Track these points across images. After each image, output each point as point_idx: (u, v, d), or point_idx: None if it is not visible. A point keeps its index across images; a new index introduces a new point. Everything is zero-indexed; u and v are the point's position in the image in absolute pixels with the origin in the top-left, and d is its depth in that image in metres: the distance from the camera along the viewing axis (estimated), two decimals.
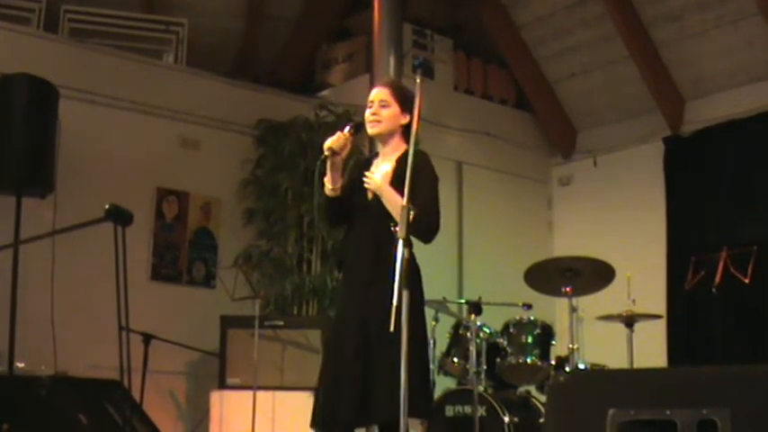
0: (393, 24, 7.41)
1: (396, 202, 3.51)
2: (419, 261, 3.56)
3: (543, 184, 8.88)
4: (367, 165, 3.87)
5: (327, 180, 3.71)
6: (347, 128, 3.72)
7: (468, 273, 7.95)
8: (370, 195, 3.71)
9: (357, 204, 3.72)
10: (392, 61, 7.33)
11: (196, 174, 7.39)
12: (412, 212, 3.17)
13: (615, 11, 7.61)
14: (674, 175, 7.84)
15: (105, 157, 6.91)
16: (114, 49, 7.19)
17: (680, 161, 7.81)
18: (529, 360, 5.65)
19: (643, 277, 6.23)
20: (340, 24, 8.73)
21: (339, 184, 3.71)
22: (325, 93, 8.16)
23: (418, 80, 3.36)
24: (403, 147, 3.77)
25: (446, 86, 8.26)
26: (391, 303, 3.02)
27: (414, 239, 3.20)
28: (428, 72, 7.92)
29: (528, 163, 8.78)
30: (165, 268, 7.12)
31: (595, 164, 8.49)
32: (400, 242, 3.08)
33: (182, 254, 7.23)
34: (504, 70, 8.75)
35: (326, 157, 3.64)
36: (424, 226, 3.60)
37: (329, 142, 3.65)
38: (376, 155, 3.90)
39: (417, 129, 3.34)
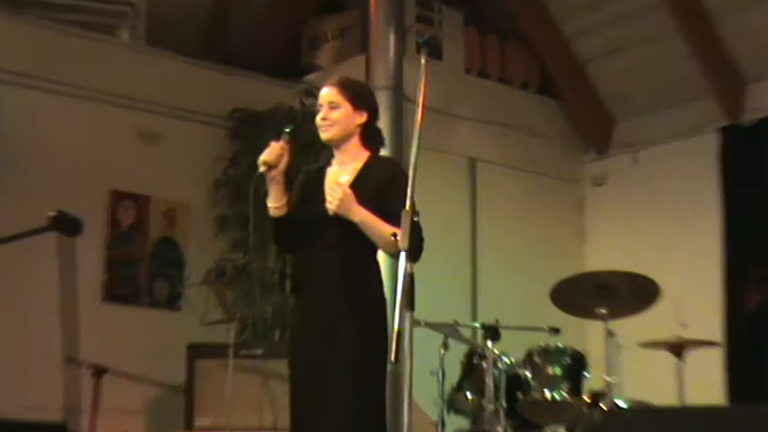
0: None
1: (376, 225, 3.60)
2: (424, 276, 3.55)
3: (573, 184, 8.88)
4: (319, 175, 3.92)
5: (270, 199, 3.78)
6: (283, 135, 3.79)
7: (484, 291, 7.94)
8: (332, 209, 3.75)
9: (314, 219, 3.75)
10: (392, 39, 7.31)
11: (157, 173, 7.38)
12: (416, 218, 3.17)
13: None
14: (731, 172, 7.84)
15: (47, 153, 6.90)
16: (58, 24, 7.18)
17: (739, 156, 7.81)
18: (557, 395, 5.62)
19: (694, 296, 6.24)
20: None
21: (283, 201, 3.77)
22: (312, 76, 8.15)
23: (423, 61, 3.36)
24: (363, 153, 3.86)
25: (456, 68, 8.26)
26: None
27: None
28: (435, 51, 7.83)
29: (554, 159, 8.77)
30: (121, 287, 7.11)
31: (636, 160, 8.48)
32: (402, 254, 3.07)
33: (141, 269, 7.21)
34: (525, 48, 8.75)
35: (263, 172, 3.71)
36: (416, 242, 3.61)
37: (263, 156, 3.73)
38: (329, 163, 3.94)
39: (421, 121, 3.33)
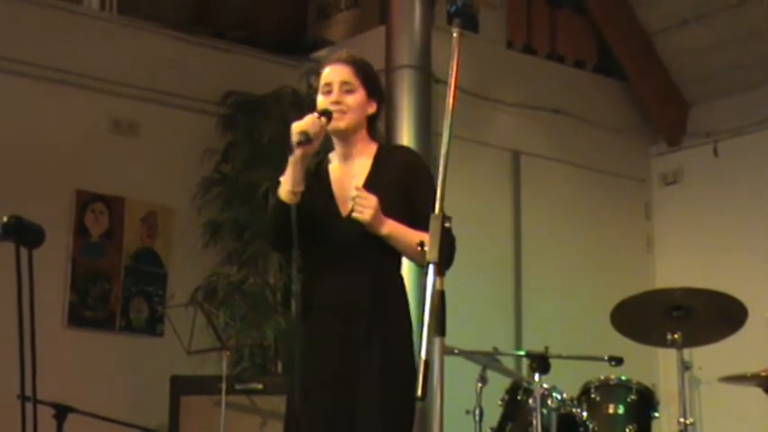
0: None
1: (406, 236, 3.61)
2: (457, 295, 3.54)
3: (639, 183, 8.86)
4: (319, 172, 3.92)
5: (287, 180, 3.75)
6: (320, 112, 3.78)
7: (530, 312, 7.93)
8: (345, 213, 3.73)
9: (327, 226, 3.75)
10: (418, 6, 7.31)
11: (135, 171, 7.41)
12: (447, 224, 3.15)
13: None
14: None
15: (2, 146, 6.93)
16: None
17: None
18: None
19: None
20: None
21: (302, 187, 3.75)
22: (321, 53, 8.15)
23: (455, 34, 3.34)
24: (371, 146, 3.87)
25: (496, 43, 8.25)
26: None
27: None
28: (470, 22, 7.90)
29: (616, 153, 8.75)
30: (90, 308, 7.13)
31: (716, 153, 8.45)
32: (430, 267, 3.06)
33: (114, 287, 7.24)
34: (580, 18, 8.74)
35: (299, 142, 3.67)
36: (447, 250, 3.61)
37: (302, 124, 3.69)
38: (326, 159, 3.94)
39: (453, 106, 3.32)
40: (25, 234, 3.63)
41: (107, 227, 7.27)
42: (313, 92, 7.34)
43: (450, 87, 3.32)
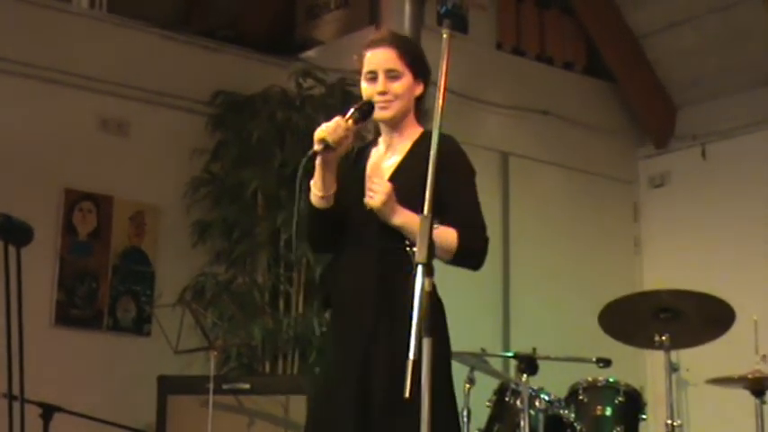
0: None
1: (416, 226, 3.36)
2: (445, 295, 3.53)
3: (627, 185, 8.87)
4: (360, 157, 3.84)
5: (315, 184, 3.67)
6: (351, 112, 3.67)
7: (518, 314, 7.93)
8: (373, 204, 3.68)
9: (352, 215, 3.69)
10: (407, 7, 7.31)
11: (123, 170, 7.39)
12: (437, 226, 3.14)
13: None
14: None
15: None
16: None
17: None
18: None
19: None
20: None
21: (332, 191, 3.67)
22: (310, 53, 8.16)
23: (445, 35, 3.34)
24: (417, 129, 3.76)
25: (486, 44, 8.25)
26: (406, 358, 2.99)
27: (442, 264, 3.18)
28: (459, 23, 7.90)
29: (604, 155, 8.76)
30: (78, 308, 7.12)
31: (704, 155, 8.46)
32: (419, 269, 3.06)
33: (102, 286, 7.22)
34: (569, 19, 8.74)
35: (317, 152, 3.60)
36: (473, 248, 3.58)
37: (323, 131, 3.60)
38: (374, 142, 3.87)
39: (443, 108, 3.31)
40: (14, 232, 3.63)
41: (95, 226, 7.25)
42: (302, 91, 7.45)
43: (439, 88, 3.32)
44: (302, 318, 7.04)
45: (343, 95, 7.03)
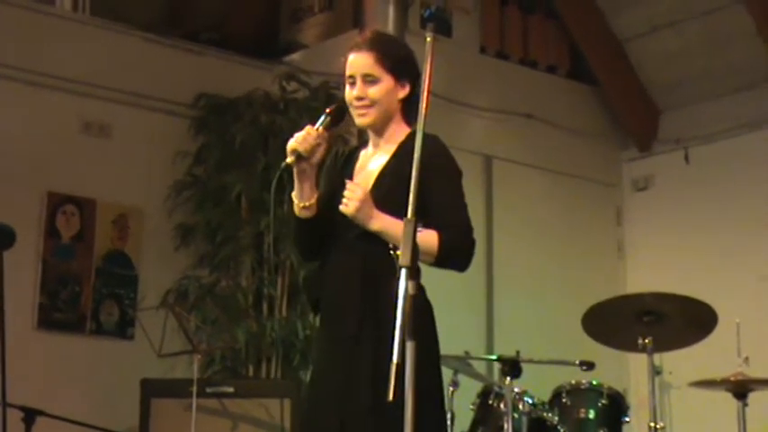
0: None
1: (396, 230, 3.31)
2: (430, 297, 3.53)
3: (610, 188, 8.88)
4: (349, 159, 3.83)
5: (295, 194, 3.66)
6: (321, 119, 3.67)
7: (501, 317, 7.93)
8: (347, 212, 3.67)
9: (338, 219, 3.68)
10: (391, 11, 7.33)
11: (106, 173, 7.37)
12: (420, 228, 3.13)
13: None
14: None
15: None
16: None
17: None
18: None
19: (759, 324, 6.20)
20: None
21: (313, 200, 3.66)
22: (294, 56, 8.16)
23: (429, 39, 3.33)
24: (404, 130, 3.73)
25: (470, 48, 8.26)
26: (390, 361, 2.98)
27: (425, 267, 3.17)
28: (443, 27, 7.79)
29: (588, 158, 8.77)
30: (60, 311, 7.09)
31: (687, 159, 8.48)
32: (403, 272, 3.05)
33: (84, 290, 7.20)
34: (553, 23, 8.75)
35: (290, 164, 3.59)
36: (456, 249, 3.57)
37: (294, 142, 3.59)
38: (364, 143, 3.86)
39: (426, 111, 3.31)
40: None
41: (78, 229, 7.23)
42: (286, 94, 7.45)
43: (423, 92, 3.32)
44: (286, 321, 7.04)
45: (326, 98, 7.03)
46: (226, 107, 7.50)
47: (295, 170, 3.60)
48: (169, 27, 8.17)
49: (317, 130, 3.58)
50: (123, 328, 7.30)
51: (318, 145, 3.58)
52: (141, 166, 7.47)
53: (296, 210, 3.67)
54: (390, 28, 7.22)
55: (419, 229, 3.12)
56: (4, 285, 3.48)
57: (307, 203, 3.65)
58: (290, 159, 3.55)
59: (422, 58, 3.34)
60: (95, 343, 7.20)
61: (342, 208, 3.52)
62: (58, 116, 7.26)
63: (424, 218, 3.35)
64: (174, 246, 7.40)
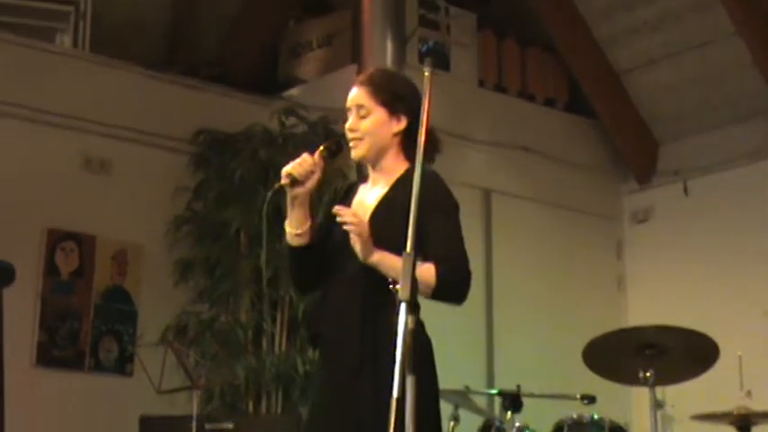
0: None
1: (393, 264, 3.42)
2: (428, 332, 3.52)
3: (610, 221, 8.87)
4: (348, 194, 3.85)
5: (288, 222, 3.68)
6: (320, 148, 3.69)
7: (502, 350, 7.91)
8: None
9: (339, 252, 3.68)
10: (390, 46, 7.34)
11: (106, 209, 7.37)
12: (419, 263, 3.13)
13: None
14: None
15: None
16: None
17: None
18: None
19: (762, 357, 6.18)
20: None
21: (306, 227, 3.67)
22: (293, 91, 8.17)
23: (427, 73, 3.34)
24: (402, 165, 3.74)
25: (468, 81, 8.27)
26: (390, 396, 2.97)
27: (425, 301, 3.15)
28: (441, 61, 7.77)
29: (587, 191, 8.77)
30: (59, 348, 7.07)
31: (686, 191, 8.48)
32: (402, 306, 3.04)
33: (84, 326, 7.18)
34: (551, 56, 8.78)
35: (281, 186, 3.62)
36: (452, 281, 3.56)
37: (289, 167, 3.63)
38: (364, 178, 3.87)
39: (426, 145, 3.31)
40: None
41: (77, 265, 7.22)
42: (285, 129, 7.46)
43: (421, 125, 3.32)
44: (285, 356, 7.02)
45: (325, 133, 7.04)
46: (225, 142, 7.52)
47: (288, 196, 3.63)
48: (168, 63, 8.19)
49: (314, 158, 3.62)
50: (122, 365, 7.28)
51: (313, 172, 3.62)
52: (141, 201, 7.47)
53: (288, 238, 3.69)
54: (389, 63, 7.23)
55: (418, 263, 3.12)
56: (3, 322, 3.47)
57: (299, 231, 3.67)
58: (283, 181, 3.60)
59: (420, 92, 3.35)
60: (94, 380, 7.17)
61: (344, 227, 3.50)
62: (57, 152, 7.27)
63: (422, 252, 3.36)
64: (173, 281, 7.39)
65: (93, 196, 7.36)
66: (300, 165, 3.61)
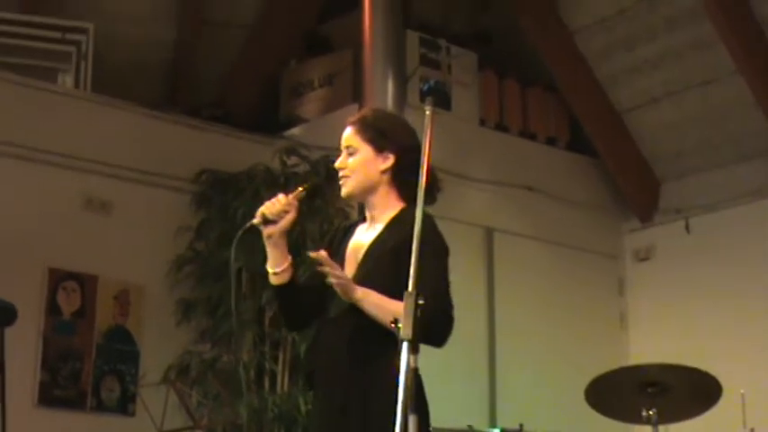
0: (392, 32, 7.48)
1: (378, 305, 3.47)
2: (430, 371, 3.52)
3: (612, 259, 8.87)
4: (348, 233, 3.86)
5: (268, 262, 3.75)
6: (300, 189, 3.75)
7: (504, 389, 7.89)
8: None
9: (331, 289, 3.69)
10: (391, 85, 7.36)
11: (108, 249, 7.38)
12: (421, 302, 3.13)
13: (716, 5, 7.63)
14: None
15: None
16: None
17: None
18: None
19: (764, 395, 6.15)
20: (315, 32, 8.80)
21: (284, 267, 3.72)
22: (294, 131, 8.19)
23: (428, 112, 3.35)
24: (397, 205, 3.76)
25: (469, 120, 8.29)
26: None
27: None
28: (442, 100, 7.80)
29: (588, 229, 8.77)
30: (61, 388, 7.05)
31: (688, 229, 8.48)
32: (404, 345, 3.05)
33: (86, 366, 7.17)
34: (552, 95, 8.81)
35: (254, 224, 3.68)
36: (433, 321, 3.54)
37: (263, 207, 3.71)
38: (364, 218, 3.89)
39: (427, 185, 3.32)
40: None
41: (79, 305, 7.22)
42: (286, 169, 7.47)
43: (422, 165, 3.34)
44: (288, 396, 7.00)
45: (327, 172, 7.05)
46: (227, 182, 7.53)
47: (264, 236, 3.73)
48: (170, 103, 8.21)
49: (288, 198, 3.70)
50: (124, 405, 7.26)
51: (286, 212, 3.70)
52: (142, 241, 7.48)
53: (269, 278, 3.76)
54: (390, 102, 7.25)
55: (417, 300, 3.13)
56: (5, 362, 3.47)
57: (278, 270, 3.73)
58: (255, 220, 3.71)
59: (422, 132, 3.36)
60: (96, 420, 7.15)
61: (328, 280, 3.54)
62: (59, 192, 7.28)
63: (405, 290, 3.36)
64: (175, 321, 7.39)
65: (95, 236, 7.37)
66: (274, 204, 3.70)
